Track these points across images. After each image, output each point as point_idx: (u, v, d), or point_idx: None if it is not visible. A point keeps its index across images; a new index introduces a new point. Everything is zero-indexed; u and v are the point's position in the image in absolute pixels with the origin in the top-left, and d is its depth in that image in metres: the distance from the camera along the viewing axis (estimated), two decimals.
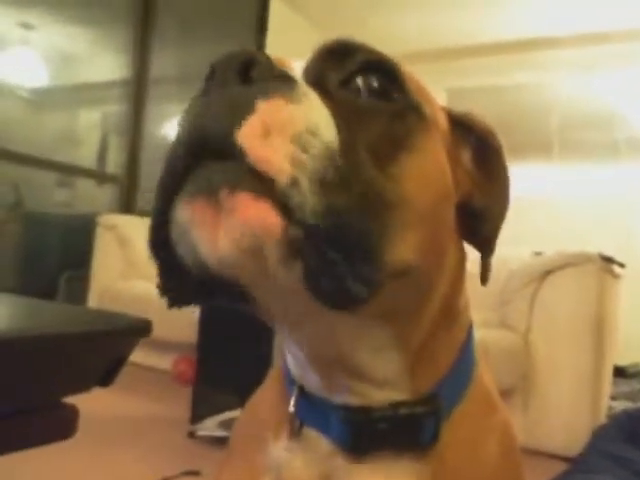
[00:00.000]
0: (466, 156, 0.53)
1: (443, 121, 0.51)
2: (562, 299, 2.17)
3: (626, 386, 2.96)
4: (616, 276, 2.21)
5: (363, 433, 0.48)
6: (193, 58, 4.44)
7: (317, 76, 0.44)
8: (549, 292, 2.19)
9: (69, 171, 3.63)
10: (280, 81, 0.39)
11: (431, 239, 0.44)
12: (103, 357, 0.85)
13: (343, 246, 0.36)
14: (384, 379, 0.48)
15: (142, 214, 3.53)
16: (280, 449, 0.52)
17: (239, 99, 0.38)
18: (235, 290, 0.40)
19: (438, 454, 0.49)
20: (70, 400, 0.85)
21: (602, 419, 2.13)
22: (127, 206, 3.77)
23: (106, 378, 0.86)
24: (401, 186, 0.41)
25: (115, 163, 3.84)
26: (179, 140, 0.39)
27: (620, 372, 2.96)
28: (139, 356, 2.94)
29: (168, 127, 4.37)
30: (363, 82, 0.44)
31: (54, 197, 3.70)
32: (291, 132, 0.36)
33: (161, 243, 0.40)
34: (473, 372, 0.54)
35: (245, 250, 0.35)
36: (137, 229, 3.22)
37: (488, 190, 0.53)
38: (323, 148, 0.37)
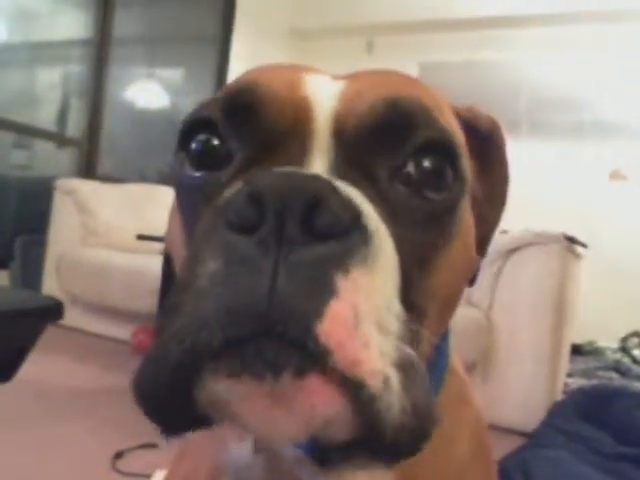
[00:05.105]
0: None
1: (461, 137, 0.46)
2: (525, 277, 2.18)
3: (582, 364, 3.04)
4: (578, 256, 2.23)
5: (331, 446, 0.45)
6: (159, 19, 4.29)
7: (367, 161, 0.38)
8: (513, 270, 2.20)
9: (27, 132, 3.51)
10: (355, 233, 0.32)
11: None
12: None
13: (410, 425, 0.33)
14: None
15: (103, 179, 3.44)
16: (242, 451, 0.48)
17: (312, 271, 0.30)
18: None
19: None
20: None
21: (558, 395, 2.17)
22: (87, 170, 3.66)
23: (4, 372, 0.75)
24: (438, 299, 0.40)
25: (76, 125, 3.72)
26: (211, 303, 0.31)
27: (577, 350, 3.03)
28: (98, 326, 2.89)
29: (132, 90, 4.24)
30: (416, 167, 0.38)
31: (11, 159, 3.58)
32: (376, 316, 0.31)
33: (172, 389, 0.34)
34: (448, 363, 0.51)
35: (308, 434, 0.32)
36: (97, 195, 3.12)
37: (486, 184, 0.50)
38: (399, 323, 0.33)
